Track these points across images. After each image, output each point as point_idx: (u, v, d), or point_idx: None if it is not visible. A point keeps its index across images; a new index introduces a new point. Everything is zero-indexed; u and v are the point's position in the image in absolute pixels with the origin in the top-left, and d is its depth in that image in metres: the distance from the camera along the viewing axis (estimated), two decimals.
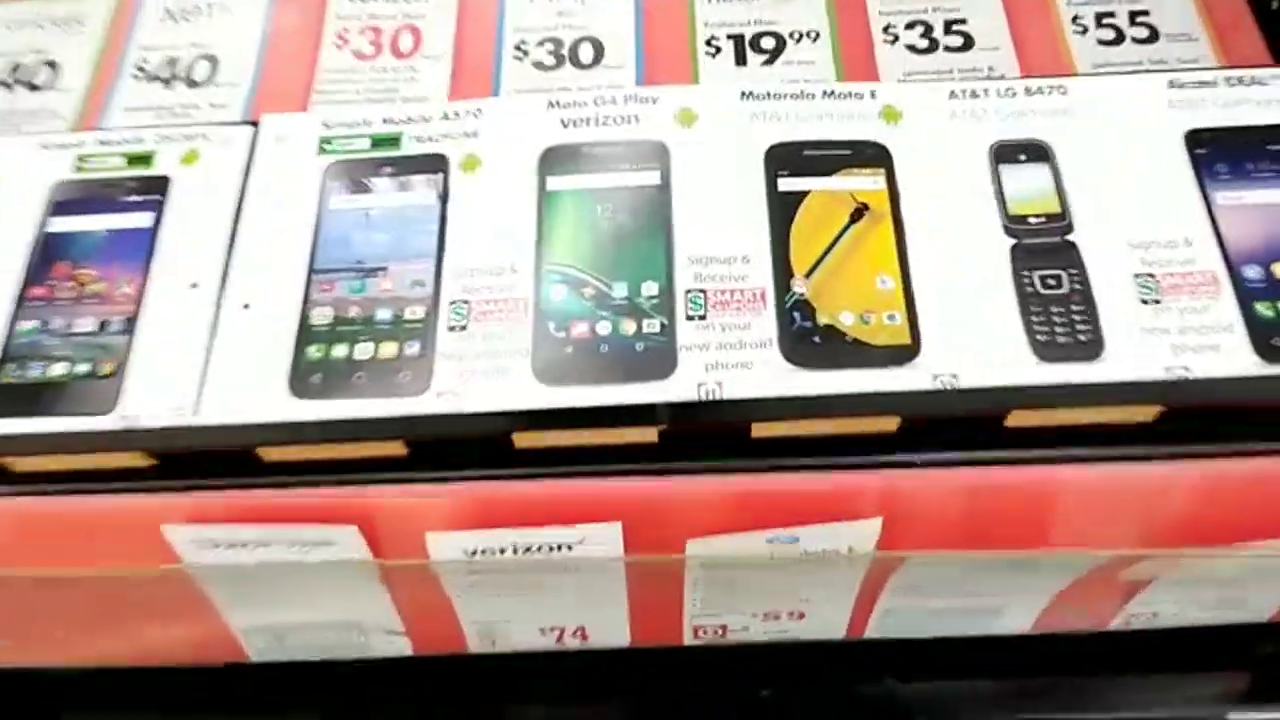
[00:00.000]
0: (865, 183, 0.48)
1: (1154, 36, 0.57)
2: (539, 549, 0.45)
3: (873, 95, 0.50)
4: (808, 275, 0.45)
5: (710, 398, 0.42)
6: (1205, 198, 0.47)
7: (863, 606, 0.53)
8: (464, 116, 0.50)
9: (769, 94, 0.50)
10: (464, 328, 0.45)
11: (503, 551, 0.45)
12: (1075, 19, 0.58)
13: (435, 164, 0.49)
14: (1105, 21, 0.58)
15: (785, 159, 0.48)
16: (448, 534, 0.44)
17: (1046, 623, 0.55)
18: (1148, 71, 0.52)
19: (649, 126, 0.49)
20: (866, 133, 0.49)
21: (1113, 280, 0.45)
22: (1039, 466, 0.44)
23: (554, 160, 0.48)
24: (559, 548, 0.45)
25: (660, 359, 0.44)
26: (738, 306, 0.45)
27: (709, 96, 0.50)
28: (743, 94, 0.50)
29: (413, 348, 0.45)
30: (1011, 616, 0.54)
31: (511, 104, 0.51)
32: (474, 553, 0.45)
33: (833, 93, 0.50)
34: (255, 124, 0.51)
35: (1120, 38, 0.58)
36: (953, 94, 0.50)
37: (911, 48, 0.57)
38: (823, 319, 0.44)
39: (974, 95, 0.50)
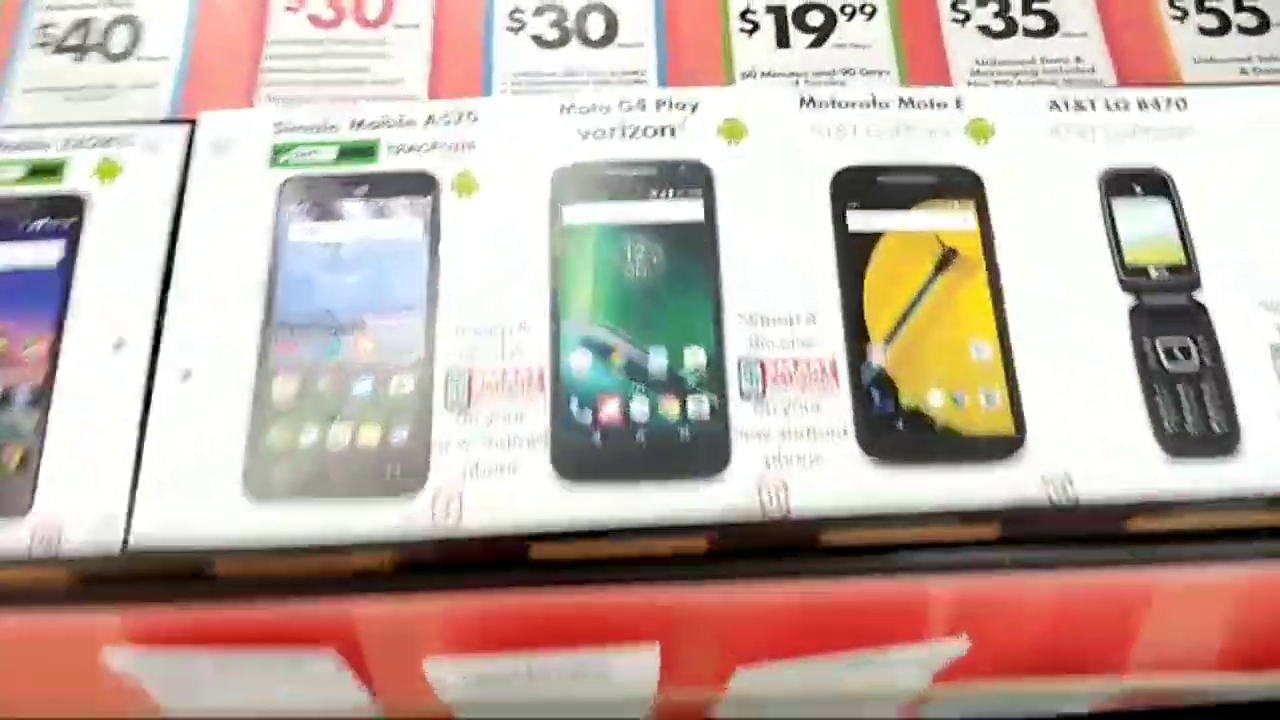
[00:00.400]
0: (953, 220, 0.39)
1: (1264, 25, 0.49)
2: (558, 675, 0.37)
3: (958, 105, 0.41)
4: (887, 341, 0.37)
5: (774, 506, 0.35)
6: None
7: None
8: (456, 122, 0.40)
9: (834, 102, 0.41)
10: (465, 406, 0.36)
11: (513, 680, 0.37)
12: (1174, 2, 0.49)
13: (422, 185, 0.39)
14: (1208, 5, 0.49)
15: (856, 188, 0.39)
16: (448, 660, 0.36)
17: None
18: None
19: (688, 141, 0.40)
20: (952, 154, 0.40)
21: (1247, 352, 0.37)
22: (1152, 568, 0.37)
23: (571, 184, 0.39)
24: (584, 674, 0.37)
25: (711, 451, 0.35)
26: (804, 382, 0.36)
27: (761, 103, 0.41)
28: (802, 101, 0.41)
29: (401, 433, 0.36)
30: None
31: (515, 107, 0.41)
32: (481, 681, 0.37)
33: (911, 101, 0.41)
34: (191, 123, 0.41)
35: (1225, 26, 0.49)
36: (1054, 104, 0.41)
37: (985, 29, 0.48)
38: (907, 400, 0.36)
39: (1079, 107, 0.41)
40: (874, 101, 0.41)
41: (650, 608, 0.36)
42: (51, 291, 0.37)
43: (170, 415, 0.36)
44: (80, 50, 0.46)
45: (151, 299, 0.37)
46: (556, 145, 0.39)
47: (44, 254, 0.38)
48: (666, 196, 0.39)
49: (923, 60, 0.47)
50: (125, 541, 0.34)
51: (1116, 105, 0.41)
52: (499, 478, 0.35)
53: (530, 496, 0.35)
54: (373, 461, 0.35)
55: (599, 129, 0.40)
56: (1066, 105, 0.41)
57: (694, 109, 0.40)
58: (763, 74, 0.47)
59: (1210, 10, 0.49)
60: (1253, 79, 0.47)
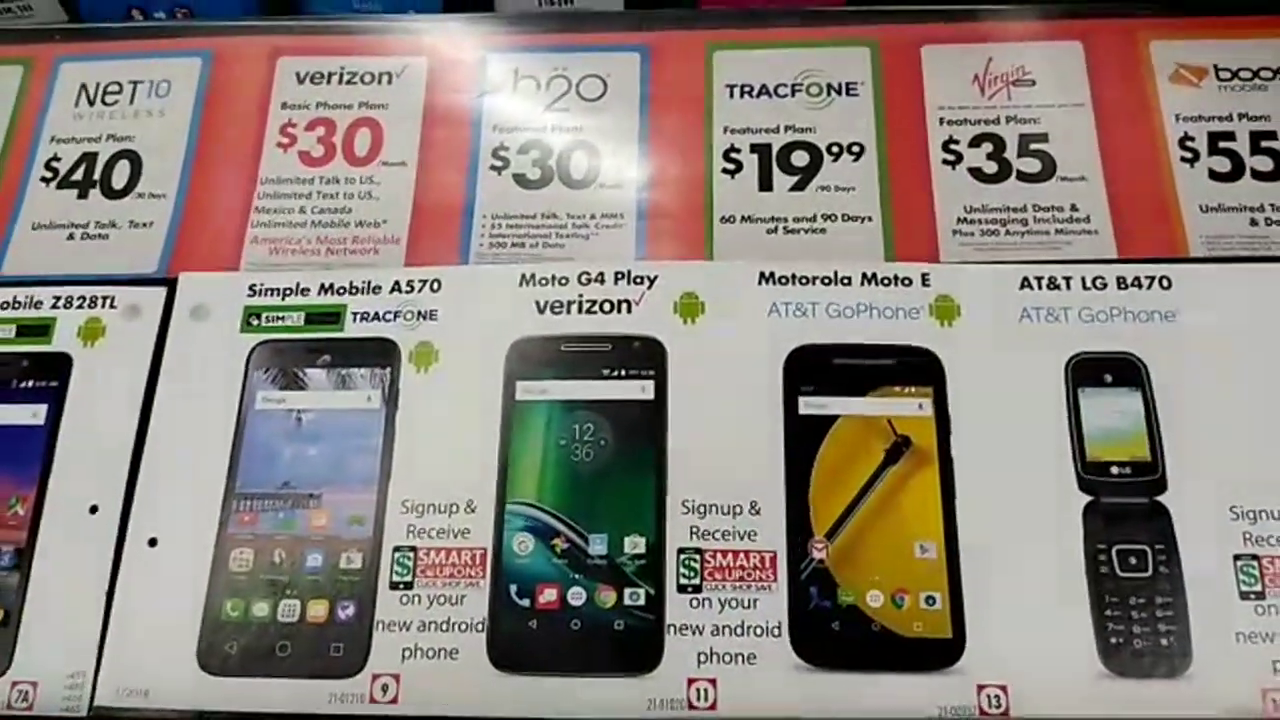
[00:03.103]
0: (908, 406, 0.38)
1: None
2: None
3: (925, 281, 0.40)
4: (830, 535, 0.37)
5: (700, 707, 0.35)
6: None
7: None
8: (420, 290, 0.41)
9: (795, 277, 0.40)
10: (409, 585, 0.37)
11: None
12: (1184, 140, 0.47)
13: (383, 355, 0.40)
14: (1221, 146, 0.47)
15: (810, 371, 0.39)
16: None
17: None
18: (1268, 260, 0.41)
19: (644, 316, 0.40)
20: (913, 335, 0.39)
21: (1206, 562, 0.36)
22: None
23: (525, 358, 0.40)
24: None
25: (643, 644, 0.36)
26: (742, 576, 0.37)
27: (719, 279, 0.40)
28: (762, 276, 0.40)
29: (347, 609, 0.37)
30: None
31: (477, 276, 0.42)
32: None
33: (875, 277, 0.40)
34: (171, 283, 0.42)
35: (1238, 170, 0.46)
36: (1025, 282, 0.40)
37: (977, 172, 0.47)
38: (845, 597, 0.36)
39: (1052, 285, 0.40)
40: (836, 278, 0.40)
41: None
42: (35, 452, 0.40)
43: (136, 581, 0.38)
44: (83, 186, 0.48)
45: (124, 464, 0.39)
46: (514, 315, 0.40)
47: (29, 414, 0.40)
48: (619, 375, 0.39)
49: (909, 206, 0.46)
50: (91, 703, 0.37)
51: (1093, 284, 0.40)
52: (436, 662, 0.36)
53: (465, 683, 0.36)
54: (318, 638, 0.37)
55: (557, 301, 0.40)
56: (1039, 283, 0.40)
57: (652, 283, 0.40)
58: (742, 218, 0.46)
59: (1224, 151, 0.47)
60: (1262, 232, 0.45)
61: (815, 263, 0.40)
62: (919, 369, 0.39)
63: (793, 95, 0.49)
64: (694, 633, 0.36)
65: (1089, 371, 0.38)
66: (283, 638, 0.37)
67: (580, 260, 0.41)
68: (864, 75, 0.49)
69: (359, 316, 0.41)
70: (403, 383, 0.40)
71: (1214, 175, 0.47)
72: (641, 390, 0.39)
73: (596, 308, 0.40)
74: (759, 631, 0.36)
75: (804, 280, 0.40)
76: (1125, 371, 0.38)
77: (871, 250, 0.45)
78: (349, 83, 0.50)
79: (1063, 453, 0.38)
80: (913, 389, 0.39)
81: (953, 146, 0.47)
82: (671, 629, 0.36)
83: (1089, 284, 0.40)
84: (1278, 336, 0.38)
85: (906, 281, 0.40)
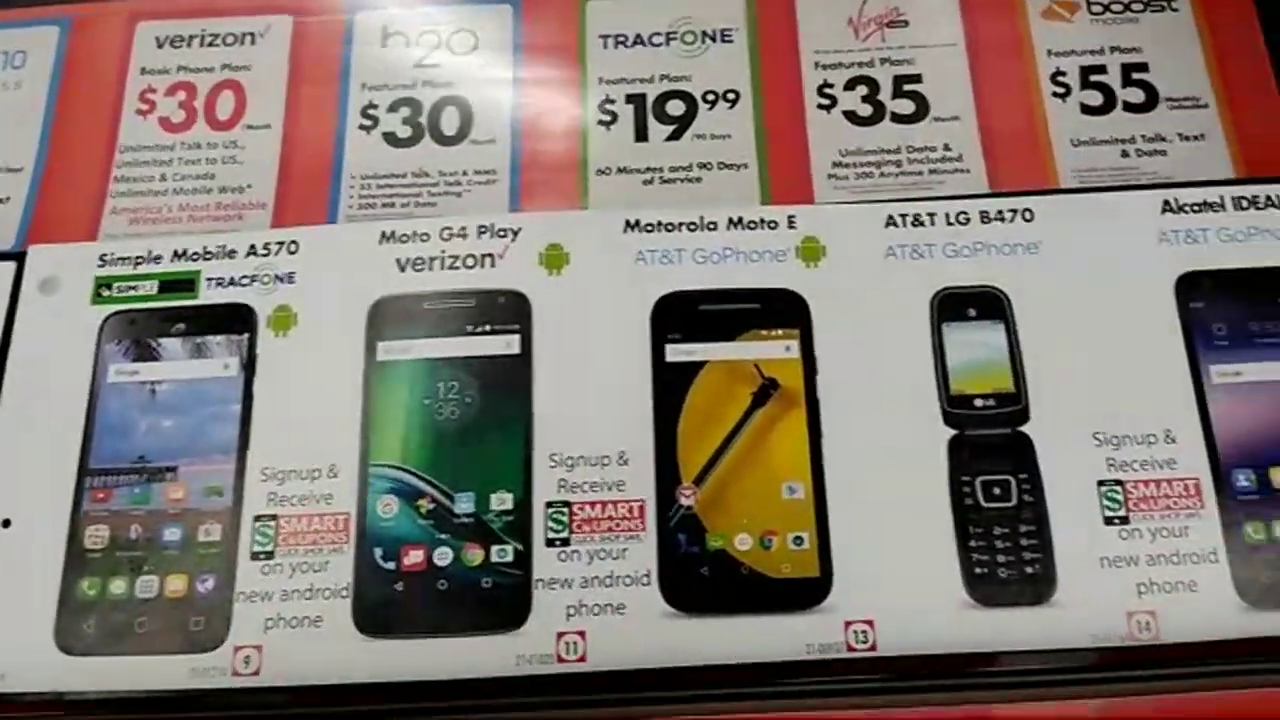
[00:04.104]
0: (775, 349, 0.38)
1: (1152, 102, 0.46)
2: None
3: (791, 224, 0.40)
4: (698, 480, 0.37)
5: (569, 660, 0.35)
6: (1196, 372, 0.37)
7: None
8: (277, 253, 0.40)
9: (660, 224, 0.40)
10: (270, 554, 0.36)
11: None
12: (1056, 75, 0.47)
13: (239, 321, 0.39)
14: (1093, 79, 0.47)
15: (677, 318, 0.38)
16: None
17: None
18: (1135, 188, 0.41)
19: (509, 270, 0.39)
20: (780, 278, 0.39)
21: (1070, 489, 0.36)
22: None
23: (386, 318, 0.39)
24: None
25: (512, 601, 0.35)
26: (610, 527, 0.36)
27: (584, 229, 0.40)
28: (628, 225, 0.40)
29: (206, 582, 0.36)
30: None
31: (335, 237, 0.40)
32: None
33: (740, 221, 0.40)
34: (21, 256, 0.41)
35: (1109, 104, 0.46)
36: (890, 220, 0.40)
37: (851, 115, 0.46)
38: (714, 542, 0.36)
39: (917, 222, 0.40)
40: (702, 223, 0.40)
41: None
42: None
43: None
44: None
45: None
46: (375, 275, 0.39)
47: None
48: (483, 330, 0.38)
49: (784, 151, 0.46)
50: None
51: (958, 219, 0.40)
52: (300, 631, 0.35)
53: (330, 651, 0.35)
54: (178, 614, 0.36)
55: (419, 258, 0.39)
56: (904, 220, 0.40)
57: (515, 235, 0.39)
58: (618, 170, 0.46)
59: (1095, 85, 0.47)
60: (1132, 163, 0.45)
61: (680, 209, 0.40)
62: (785, 311, 0.38)
63: (667, 44, 0.48)
64: (563, 586, 0.35)
65: (953, 306, 0.38)
66: (141, 614, 0.36)
67: (427, 214, 0.40)
68: (738, 21, 0.48)
69: (214, 282, 0.39)
70: (260, 348, 0.38)
71: (1086, 109, 0.47)
72: (506, 345, 0.38)
73: (459, 263, 0.39)
74: (628, 581, 0.35)
75: (670, 227, 0.39)
76: (988, 305, 0.38)
77: (748, 197, 0.45)
78: (210, 45, 0.49)
79: (929, 388, 0.38)
80: (780, 331, 0.38)
81: (827, 90, 0.47)
82: (540, 584, 0.35)
83: (953, 219, 0.40)
84: (1138, 263, 0.39)
85: (773, 225, 0.40)
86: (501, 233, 0.39)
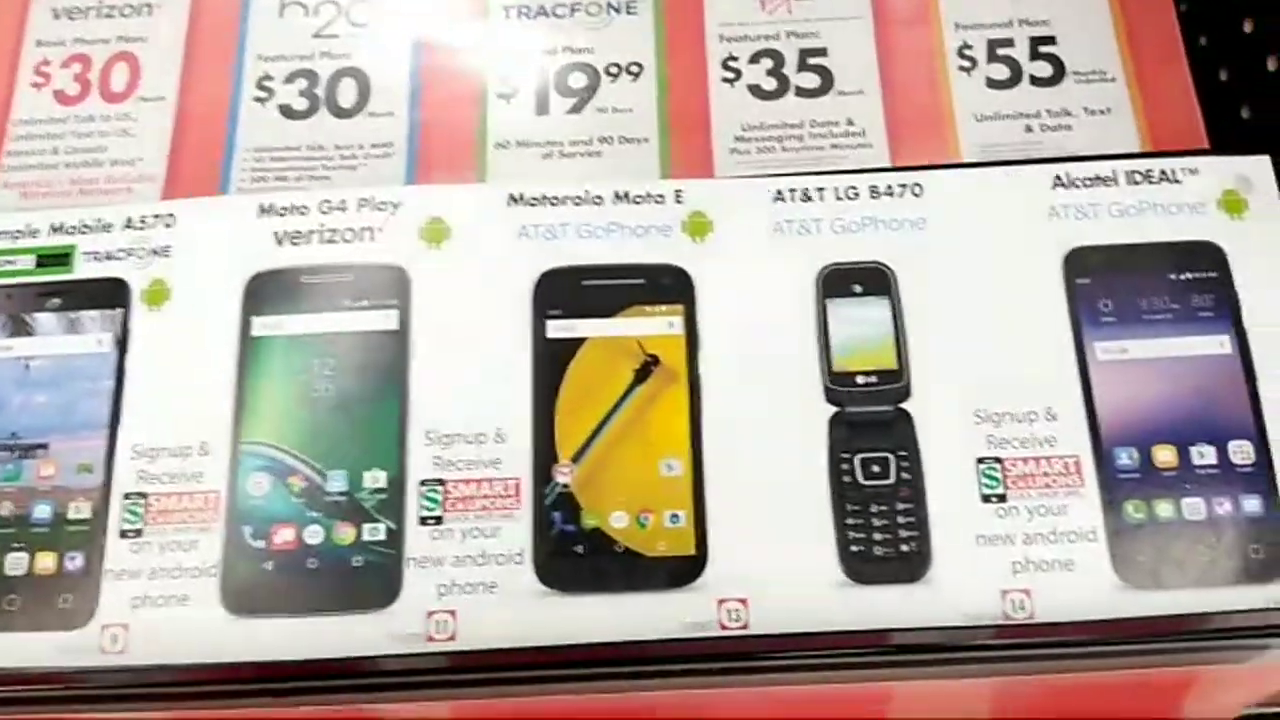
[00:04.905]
0: (658, 325, 0.38)
1: (1059, 75, 0.46)
2: None
3: (678, 198, 0.39)
4: (576, 458, 0.36)
5: (439, 639, 0.34)
6: (1080, 349, 0.37)
7: None
8: (153, 225, 0.39)
9: (545, 198, 0.39)
10: (139, 533, 0.36)
11: None
12: (963, 49, 0.46)
13: (113, 295, 0.38)
14: (1000, 53, 0.46)
15: (558, 294, 0.38)
16: None
17: None
18: (1026, 162, 0.41)
19: (388, 243, 0.38)
20: (665, 253, 0.38)
21: (949, 467, 0.36)
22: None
23: (262, 293, 0.38)
24: None
25: (382, 580, 0.35)
26: (485, 505, 0.36)
27: (467, 202, 0.39)
28: (511, 198, 0.39)
29: (75, 560, 0.36)
30: None
31: (212, 209, 0.40)
32: None
33: (627, 195, 0.39)
34: None
35: (1016, 77, 0.46)
36: (779, 195, 0.39)
37: (755, 89, 0.46)
38: (589, 520, 0.36)
39: (805, 197, 0.39)
40: (588, 197, 0.39)
41: None
42: None
43: None
44: None
45: None
46: (252, 249, 0.38)
47: None
48: (361, 306, 0.38)
49: (686, 126, 0.45)
50: None
51: (846, 194, 0.39)
52: (167, 609, 0.35)
53: (196, 630, 0.34)
54: (46, 591, 0.35)
55: (297, 231, 0.39)
56: (792, 195, 0.39)
57: (395, 209, 0.39)
58: (517, 143, 0.45)
59: (1002, 58, 0.46)
60: (1036, 138, 0.45)
61: (566, 183, 0.39)
62: (669, 287, 0.38)
63: (571, 15, 0.47)
64: (434, 565, 0.35)
65: (838, 282, 0.38)
66: (10, 591, 0.35)
67: (321, 188, 0.40)
68: None
69: (90, 256, 0.39)
70: (134, 323, 0.38)
71: (991, 83, 0.46)
72: (384, 320, 0.37)
73: (338, 237, 0.38)
74: (501, 560, 0.35)
75: (554, 201, 0.39)
76: (873, 281, 0.38)
77: (648, 172, 0.44)
78: (107, 16, 0.48)
79: (812, 365, 0.37)
80: (663, 307, 0.38)
81: (732, 64, 0.46)
82: (411, 562, 0.35)
83: (842, 194, 0.39)
84: (1023, 239, 0.38)
85: (659, 199, 0.39)
86: (381, 206, 0.39)
